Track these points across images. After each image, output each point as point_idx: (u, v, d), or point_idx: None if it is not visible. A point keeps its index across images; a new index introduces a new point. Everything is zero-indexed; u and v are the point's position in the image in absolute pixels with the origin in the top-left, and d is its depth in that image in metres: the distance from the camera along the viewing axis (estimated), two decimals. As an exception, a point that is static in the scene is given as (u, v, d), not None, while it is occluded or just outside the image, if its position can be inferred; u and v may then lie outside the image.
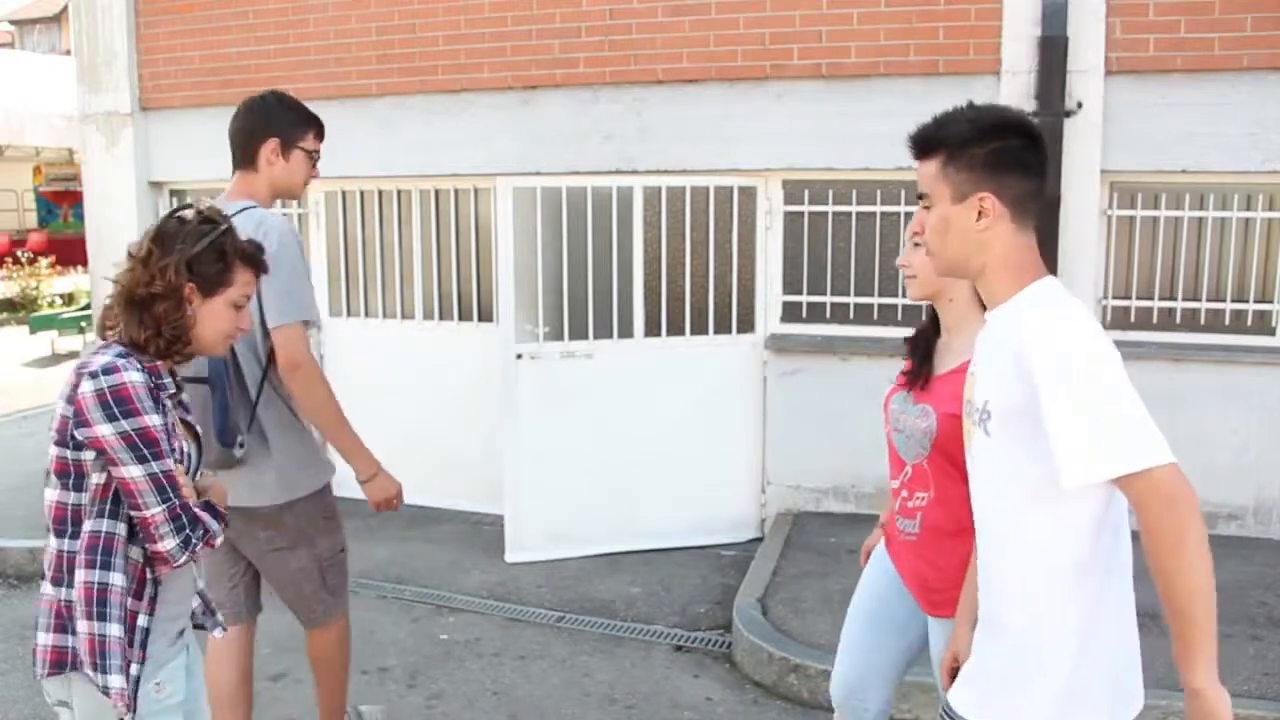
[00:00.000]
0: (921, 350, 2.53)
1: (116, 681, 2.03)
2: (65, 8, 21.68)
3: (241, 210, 2.93)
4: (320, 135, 3.24)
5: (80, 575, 2.03)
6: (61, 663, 2.06)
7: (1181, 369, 5.15)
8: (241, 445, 2.84)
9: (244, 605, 3.19)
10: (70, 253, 16.85)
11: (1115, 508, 1.77)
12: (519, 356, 5.29)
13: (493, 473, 6.11)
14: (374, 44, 6.12)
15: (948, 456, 2.36)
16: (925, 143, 1.86)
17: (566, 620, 4.68)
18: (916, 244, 2.42)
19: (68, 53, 17.95)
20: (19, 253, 16.27)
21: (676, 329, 5.54)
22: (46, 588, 2.09)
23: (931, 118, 1.88)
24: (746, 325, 5.65)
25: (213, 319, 2.18)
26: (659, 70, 5.59)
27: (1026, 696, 1.79)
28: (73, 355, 11.26)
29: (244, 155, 3.09)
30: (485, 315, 6.14)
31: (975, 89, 5.17)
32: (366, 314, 6.47)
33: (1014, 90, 5.07)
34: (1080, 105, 4.99)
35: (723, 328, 5.60)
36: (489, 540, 5.62)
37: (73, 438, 2.02)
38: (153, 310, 2.09)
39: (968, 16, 5.16)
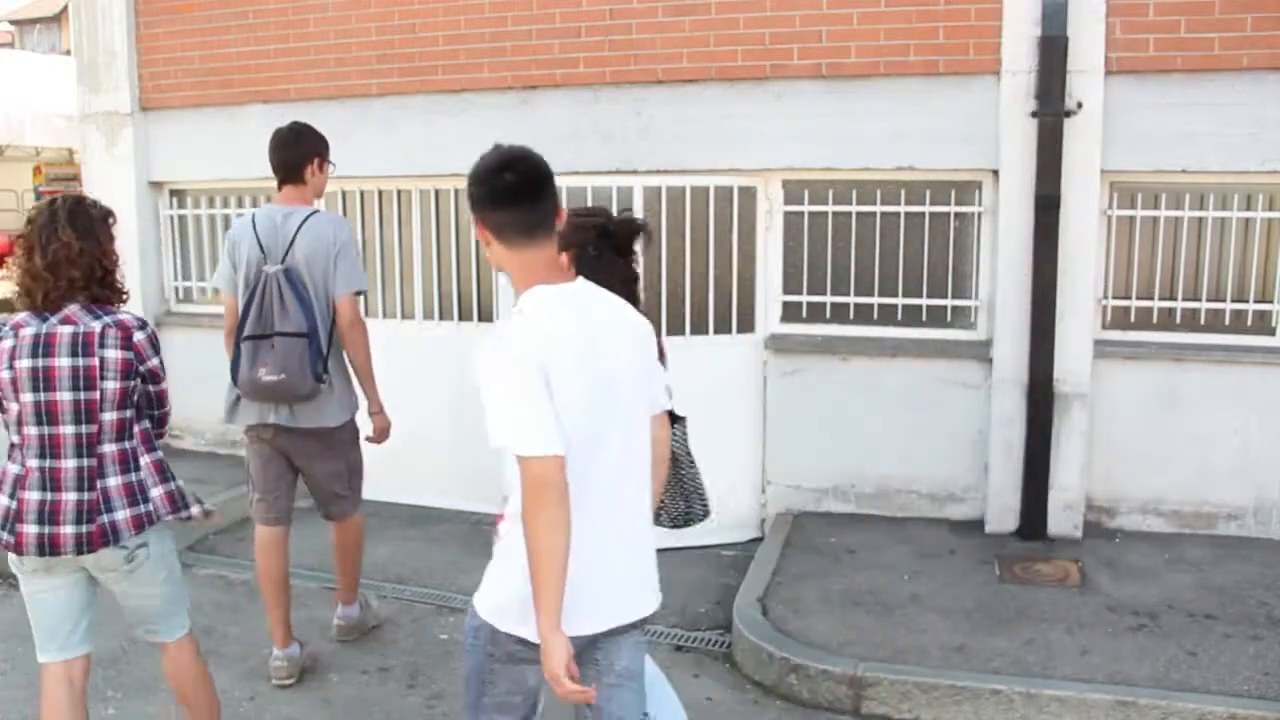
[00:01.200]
0: None
1: (197, 508, 3.11)
2: (65, 8, 21.64)
3: (299, 211, 4.05)
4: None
5: (146, 459, 3.01)
6: (142, 524, 2.95)
7: (1181, 369, 5.15)
8: (324, 380, 3.94)
9: (289, 510, 4.19)
10: (70, 253, 16.81)
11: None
12: None
13: (492, 473, 6.10)
14: (374, 44, 6.12)
15: None
16: None
17: (566, 620, 4.67)
18: None
19: (68, 53, 17.93)
20: (19, 253, 16.25)
21: (677, 329, 5.53)
22: (110, 481, 2.93)
23: None
24: (746, 325, 5.65)
25: None
26: (659, 70, 5.59)
27: (499, 590, 2.43)
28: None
29: (294, 173, 4.10)
30: (485, 315, 6.14)
31: (975, 89, 5.18)
32: (366, 314, 6.40)
33: (1014, 90, 5.07)
34: (1080, 105, 4.99)
35: (723, 328, 5.59)
36: (489, 540, 5.60)
37: (136, 371, 2.94)
38: (111, 278, 2.97)
39: (968, 16, 5.15)
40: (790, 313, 5.67)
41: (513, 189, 2.30)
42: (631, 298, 2.73)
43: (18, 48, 31.48)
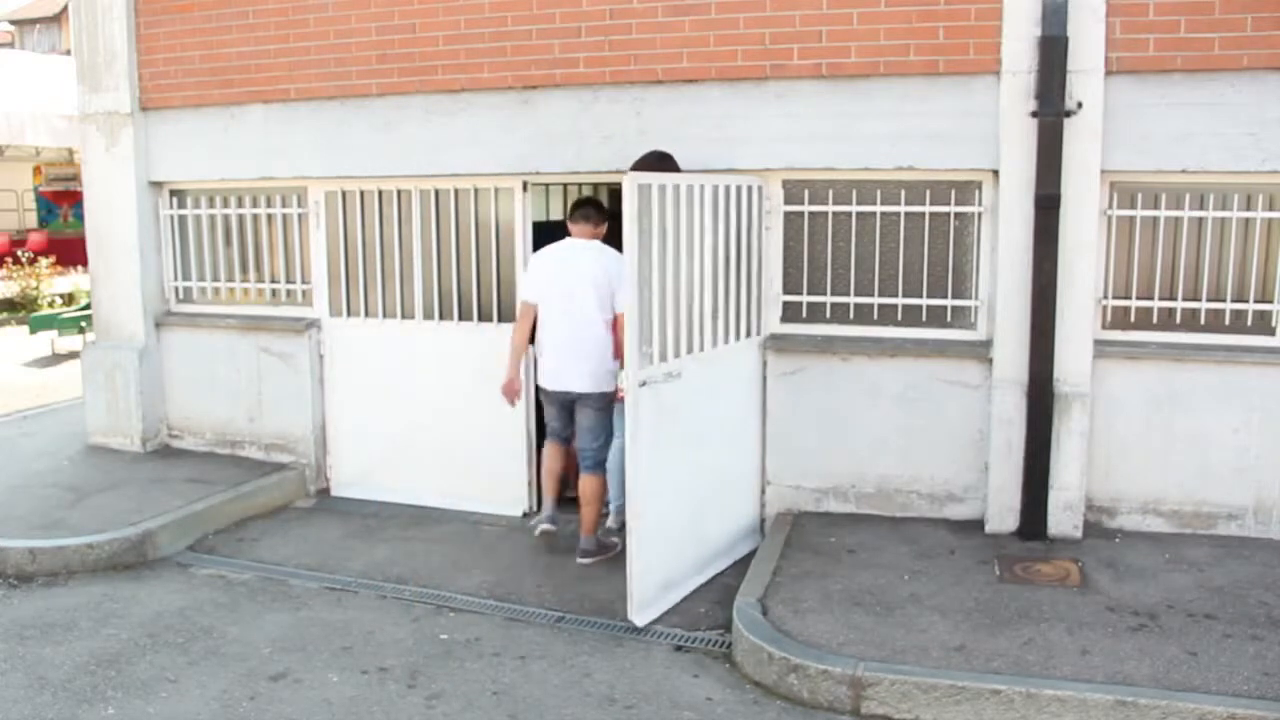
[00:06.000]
0: None
1: None
2: (65, 8, 21.65)
3: None
4: None
5: None
6: None
7: (1181, 369, 5.15)
8: None
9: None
10: (70, 253, 16.85)
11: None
12: (643, 384, 4.53)
13: (492, 472, 6.11)
14: (374, 44, 6.12)
15: None
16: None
17: (566, 620, 4.68)
18: None
19: (68, 53, 17.94)
20: (19, 253, 16.27)
21: (696, 343, 5.13)
22: None
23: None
24: (747, 326, 5.62)
25: None
26: (659, 70, 5.59)
27: None
28: (73, 355, 11.25)
29: None
30: (485, 315, 6.14)
31: (975, 89, 5.18)
32: (366, 314, 6.47)
33: (1014, 90, 5.07)
34: (1080, 105, 4.99)
35: (729, 333, 5.54)
36: (489, 540, 5.62)
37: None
38: None
39: (968, 16, 5.16)
40: (790, 313, 5.67)
41: (574, 204, 5.37)
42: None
43: (18, 48, 31.51)
